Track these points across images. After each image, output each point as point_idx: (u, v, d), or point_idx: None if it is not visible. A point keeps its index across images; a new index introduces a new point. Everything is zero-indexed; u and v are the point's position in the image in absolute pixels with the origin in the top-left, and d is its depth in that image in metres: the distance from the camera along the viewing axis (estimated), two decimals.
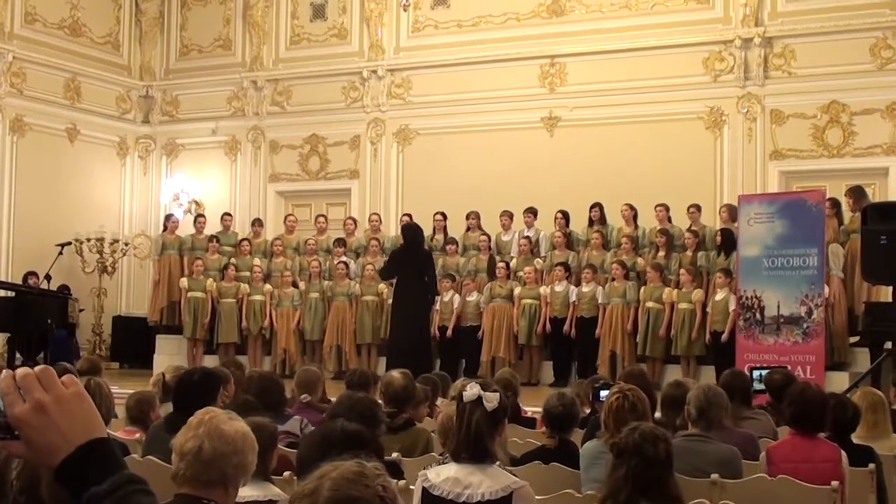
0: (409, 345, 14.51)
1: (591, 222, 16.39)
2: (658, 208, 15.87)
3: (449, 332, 15.84)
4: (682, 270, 14.90)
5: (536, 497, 4.72)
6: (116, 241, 19.55)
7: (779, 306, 13.31)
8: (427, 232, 16.76)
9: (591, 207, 16.34)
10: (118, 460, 1.92)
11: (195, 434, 3.67)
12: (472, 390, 4.61)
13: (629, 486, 4.40)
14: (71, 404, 1.90)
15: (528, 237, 16.39)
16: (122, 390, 9.36)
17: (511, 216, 16.80)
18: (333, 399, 6.93)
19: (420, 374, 9.30)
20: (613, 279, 15.20)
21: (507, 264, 16.10)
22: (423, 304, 15.17)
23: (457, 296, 15.95)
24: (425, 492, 4.55)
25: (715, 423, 6.07)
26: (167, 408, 7.27)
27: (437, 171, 18.69)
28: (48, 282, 18.26)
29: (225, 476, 3.64)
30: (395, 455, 5.89)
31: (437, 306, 15.84)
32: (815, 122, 16.61)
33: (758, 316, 13.46)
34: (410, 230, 15.47)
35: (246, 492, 4.22)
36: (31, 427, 1.86)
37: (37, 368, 1.91)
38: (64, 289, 18.38)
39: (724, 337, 14.05)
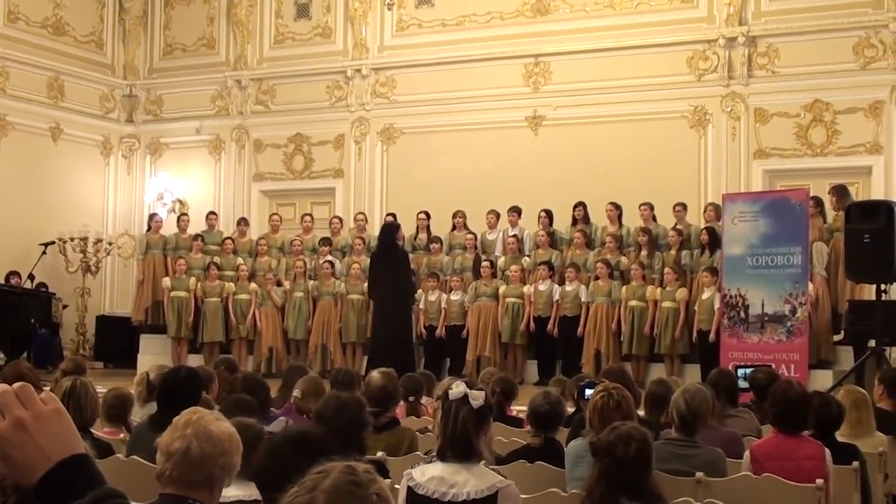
0: (390, 344, 14.53)
1: (574, 221, 16.38)
2: (642, 207, 15.88)
3: (440, 332, 15.85)
4: (666, 269, 14.92)
5: (522, 496, 4.71)
6: (100, 240, 19.49)
7: (763, 305, 13.35)
8: (411, 231, 16.77)
9: (575, 206, 16.34)
10: (97, 475, 1.92)
11: (182, 434, 3.65)
12: (457, 388, 4.61)
13: (602, 485, 4.50)
14: (50, 421, 1.89)
15: (515, 236, 16.38)
16: (105, 390, 9.30)
17: (497, 215, 16.78)
18: None
19: (402, 374, 9.32)
20: (597, 278, 15.21)
21: (492, 263, 16.09)
22: (402, 303, 15.21)
23: (443, 295, 15.95)
24: (410, 491, 4.54)
25: (698, 430, 6.08)
26: (150, 407, 7.25)
27: (421, 170, 18.70)
28: (31, 281, 18.21)
29: (211, 477, 3.63)
30: (379, 454, 5.88)
31: (423, 305, 15.85)
32: (799, 120, 16.67)
33: (742, 314, 13.49)
34: (383, 230, 15.56)
35: (231, 492, 4.21)
36: (11, 444, 1.86)
37: (15, 385, 1.90)
38: (41, 287, 18.34)
39: (712, 336, 14.05)
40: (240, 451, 3.77)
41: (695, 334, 14.45)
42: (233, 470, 3.74)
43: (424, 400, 8.78)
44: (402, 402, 8.07)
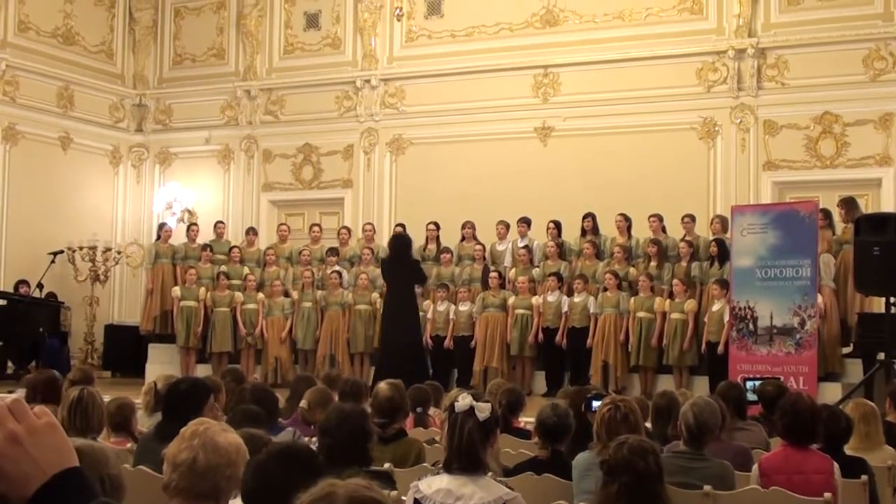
0: (400, 353, 14.53)
1: (583, 232, 16.36)
2: (651, 218, 15.86)
3: (448, 343, 15.83)
4: (675, 281, 14.89)
5: None
6: (109, 249, 19.51)
7: (772, 317, 13.31)
8: (420, 241, 16.77)
9: (584, 217, 16.32)
10: (92, 488, 1.92)
11: (189, 445, 3.64)
12: (463, 401, 4.60)
13: (622, 502, 4.40)
14: (44, 434, 1.88)
15: (526, 247, 16.36)
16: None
17: (507, 226, 16.78)
18: None
19: (417, 382, 9.32)
20: (606, 289, 15.19)
21: (500, 273, 16.08)
22: (413, 312, 15.21)
23: (452, 305, 15.95)
24: (417, 503, 4.54)
25: (706, 443, 6.05)
26: (158, 417, 7.24)
27: (430, 180, 18.69)
28: (40, 290, 18.23)
29: (217, 488, 3.62)
30: (386, 466, 5.87)
31: (431, 315, 15.86)
32: (808, 132, 16.65)
33: (751, 326, 13.45)
34: (395, 241, 15.54)
35: (237, 503, 4.20)
36: (5, 457, 1.85)
37: (8, 399, 1.90)
38: (51, 296, 18.36)
39: (720, 348, 14.01)
40: (246, 462, 3.76)
41: (704, 346, 14.42)
42: (239, 481, 3.73)
43: (432, 411, 8.76)
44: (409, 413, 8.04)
